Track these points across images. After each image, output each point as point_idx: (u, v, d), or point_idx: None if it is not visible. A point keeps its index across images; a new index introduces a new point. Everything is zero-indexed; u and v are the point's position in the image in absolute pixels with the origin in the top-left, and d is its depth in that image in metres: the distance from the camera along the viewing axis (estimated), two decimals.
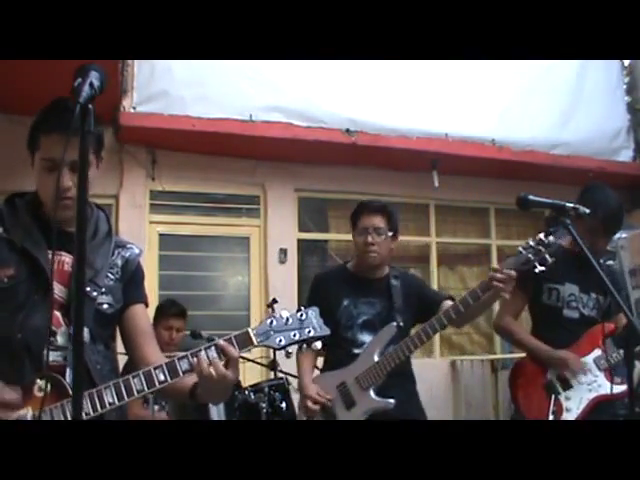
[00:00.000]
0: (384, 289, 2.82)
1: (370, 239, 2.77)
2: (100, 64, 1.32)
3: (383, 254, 2.81)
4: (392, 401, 2.59)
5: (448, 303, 2.70)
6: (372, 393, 2.62)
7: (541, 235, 2.40)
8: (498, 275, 2.39)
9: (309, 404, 2.64)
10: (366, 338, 2.74)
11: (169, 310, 3.96)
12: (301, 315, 1.70)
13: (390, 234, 2.82)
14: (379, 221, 2.80)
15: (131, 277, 1.88)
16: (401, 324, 2.71)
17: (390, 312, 2.76)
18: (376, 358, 2.63)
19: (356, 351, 2.71)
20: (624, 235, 5.47)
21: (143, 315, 1.91)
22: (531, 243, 2.41)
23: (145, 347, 1.85)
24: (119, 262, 1.87)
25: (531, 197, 2.18)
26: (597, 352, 2.79)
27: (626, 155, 7.36)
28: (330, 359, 2.83)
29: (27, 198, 1.81)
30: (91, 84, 1.26)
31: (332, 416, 2.63)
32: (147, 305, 1.96)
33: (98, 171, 1.79)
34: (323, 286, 2.89)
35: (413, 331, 2.75)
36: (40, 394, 1.58)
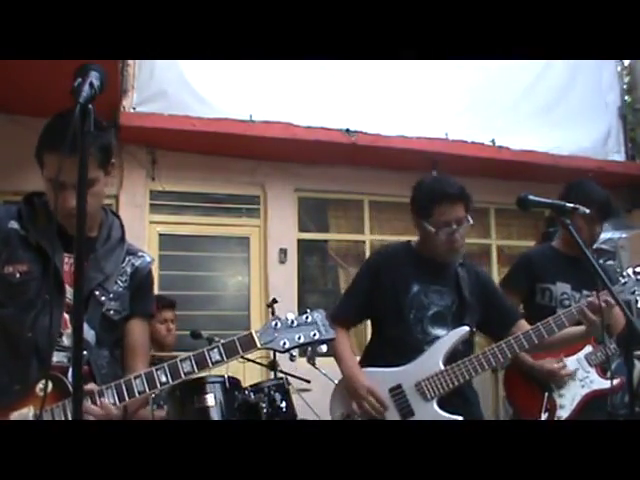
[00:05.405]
0: (452, 277, 2.47)
1: (458, 236, 2.38)
2: (100, 64, 1.32)
3: (463, 244, 2.44)
4: (461, 419, 2.21)
5: (524, 324, 2.48)
6: (436, 406, 2.26)
7: None
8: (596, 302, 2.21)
9: (368, 409, 2.29)
10: (438, 332, 2.38)
11: (159, 304, 4.06)
12: (306, 317, 1.67)
13: (470, 220, 2.41)
14: (461, 210, 2.37)
15: (139, 286, 1.89)
16: (474, 329, 2.41)
17: (460, 307, 2.42)
18: (441, 365, 2.29)
19: (427, 348, 2.35)
20: (624, 235, 5.48)
21: (142, 330, 1.92)
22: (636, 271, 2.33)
23: (133, 360, 1.87)
24: (129, 270, 1.87)
25: (531, 197, 2.18)
26: (588, 348, 2.85)
27: (620, 157, 7.36)
28: (389, 350, 2.42)
29: (44, 199, 1.81)
30: (91, 84, 1.27)
31: None
32: (153, 315, 1.96)
33: (108, 178, 1.79)
34: (387, 265, 2.47)
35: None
36: (42, 394, 1.58)
